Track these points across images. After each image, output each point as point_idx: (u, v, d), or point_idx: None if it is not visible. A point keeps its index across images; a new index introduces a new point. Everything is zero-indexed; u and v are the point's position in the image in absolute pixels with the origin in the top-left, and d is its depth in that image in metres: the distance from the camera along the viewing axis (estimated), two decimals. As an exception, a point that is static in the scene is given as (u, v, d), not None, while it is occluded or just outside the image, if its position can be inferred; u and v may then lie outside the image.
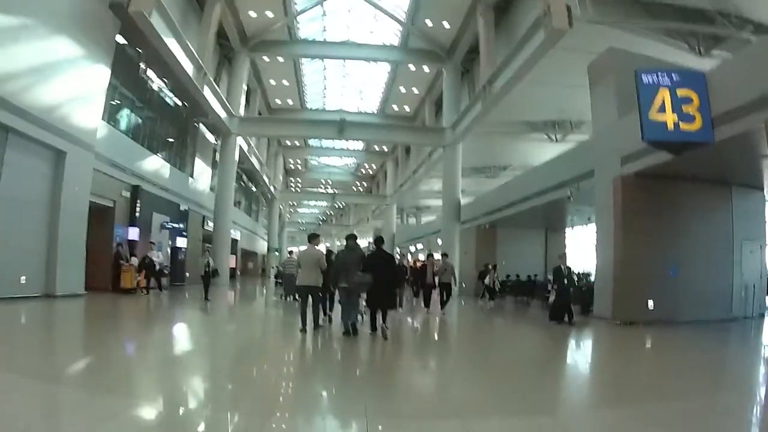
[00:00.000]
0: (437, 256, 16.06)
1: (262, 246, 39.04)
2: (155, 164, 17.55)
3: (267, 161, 36.02)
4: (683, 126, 8.85)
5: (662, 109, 8.97)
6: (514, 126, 22.90)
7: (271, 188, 37.54)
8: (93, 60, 12.49)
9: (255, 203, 38.03)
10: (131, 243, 14.72)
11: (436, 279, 12.87)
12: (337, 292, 8.65)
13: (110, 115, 14.73)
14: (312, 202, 61.45)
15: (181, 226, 17.69)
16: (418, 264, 24.62)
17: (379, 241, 8.69)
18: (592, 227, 24.26)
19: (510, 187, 19.94)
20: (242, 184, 33.16)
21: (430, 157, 26.81)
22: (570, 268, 11.00)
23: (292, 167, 48.89)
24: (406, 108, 31.97)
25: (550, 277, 12.66)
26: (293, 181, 51.92)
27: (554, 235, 22.32)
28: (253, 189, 36.55)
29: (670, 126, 8.87)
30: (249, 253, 34.82)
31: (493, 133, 23.17)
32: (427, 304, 12.74)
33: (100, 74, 12.94)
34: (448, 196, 23.13)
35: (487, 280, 17.10)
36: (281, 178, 43.46)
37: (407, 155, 35.81)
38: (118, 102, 15.40)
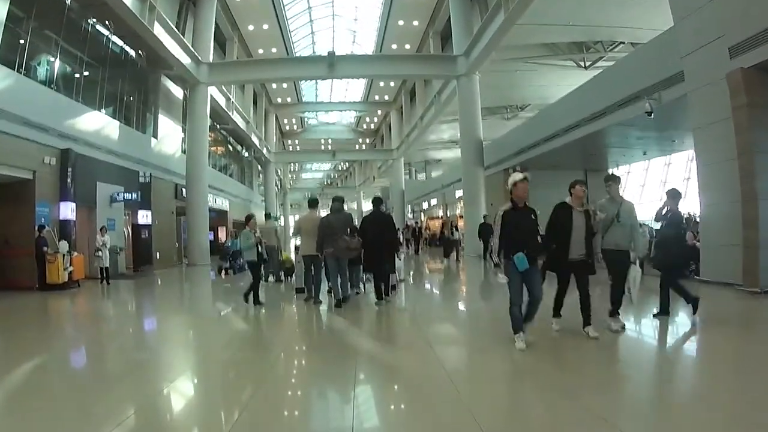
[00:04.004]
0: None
1: (260, 216, 35.81)
2: (97, 122, 13.99)
3: (256, 121, 32.32)
4: None
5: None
6: (535, 50, 19.19)
7: (264, 150, 33.98)
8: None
9: (248, 168, 34.58)
10: (64, 223, 11.38)
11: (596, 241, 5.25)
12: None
13: (21, 62, 11.19)
14: (315, 166, 58.14)
15: (135, 196, 14.13)
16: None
17: (377, 201, 8.27)
18: (641, 165, 20.88)
19: (546, 116, 16.30)
20: (230, 148, 29.65)
21: (440, 97, 22.93)
22: None
23: (288, 128, 45.06)
24: (407, 46, 27.71)
25: None
26: (290, 143, 48.17)
27: (595, 177, 18.77)
28: (245, 154, 33.02)
29: None
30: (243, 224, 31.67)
31: (509, 63, 19.59)
32: (616, 309, 5.24)
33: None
34: (467, 137, 19.31)
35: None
36: (275, 140, 39.76)
37: (412, 102, 31.99)
38: (35, 45, 11.81)
